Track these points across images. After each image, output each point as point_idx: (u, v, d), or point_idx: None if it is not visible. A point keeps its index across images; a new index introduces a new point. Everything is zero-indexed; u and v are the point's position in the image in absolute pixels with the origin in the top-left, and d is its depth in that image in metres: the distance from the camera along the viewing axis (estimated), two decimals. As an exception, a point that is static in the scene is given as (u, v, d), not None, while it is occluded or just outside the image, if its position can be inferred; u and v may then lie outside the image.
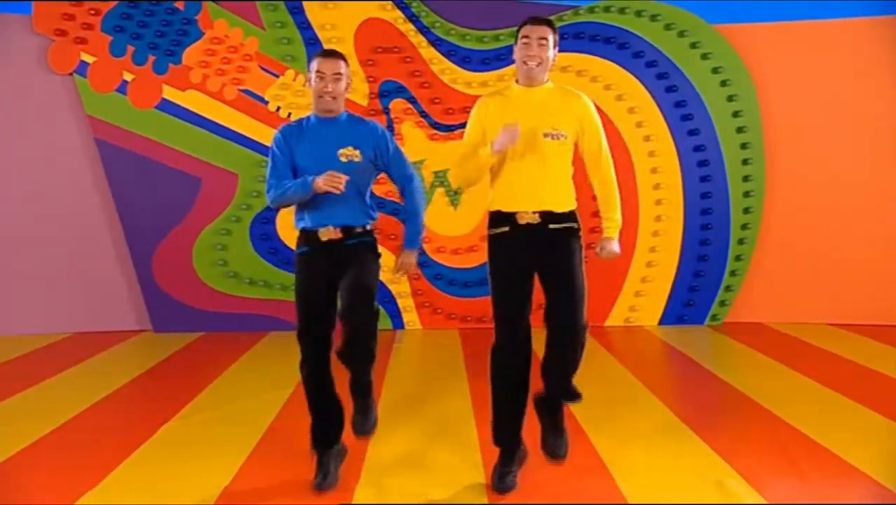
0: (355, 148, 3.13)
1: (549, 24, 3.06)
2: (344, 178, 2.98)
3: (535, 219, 3.01)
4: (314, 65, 3.12)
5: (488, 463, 3.34)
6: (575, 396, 3.04)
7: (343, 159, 3.11)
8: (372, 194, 3.30)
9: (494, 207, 3.10)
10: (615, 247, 3.15)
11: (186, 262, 6.26)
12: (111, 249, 6.31)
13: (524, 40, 3.01)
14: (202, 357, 5.58)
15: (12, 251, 6.18)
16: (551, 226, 3.01)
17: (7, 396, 4.54)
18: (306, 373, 3.18)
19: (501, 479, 3.13)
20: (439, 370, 5.17)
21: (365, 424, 3.20)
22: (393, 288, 6.34)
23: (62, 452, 3.65)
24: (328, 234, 3.13)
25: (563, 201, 3.06)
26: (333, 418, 3.23)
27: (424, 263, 6.32)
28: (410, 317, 6.43)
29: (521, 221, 3.01)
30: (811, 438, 3.68)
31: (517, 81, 3.11)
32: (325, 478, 3.15)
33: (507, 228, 3.05)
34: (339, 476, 3.21)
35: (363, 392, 3.19)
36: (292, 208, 3.25)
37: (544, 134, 2.99)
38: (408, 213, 3.35)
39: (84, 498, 3.11)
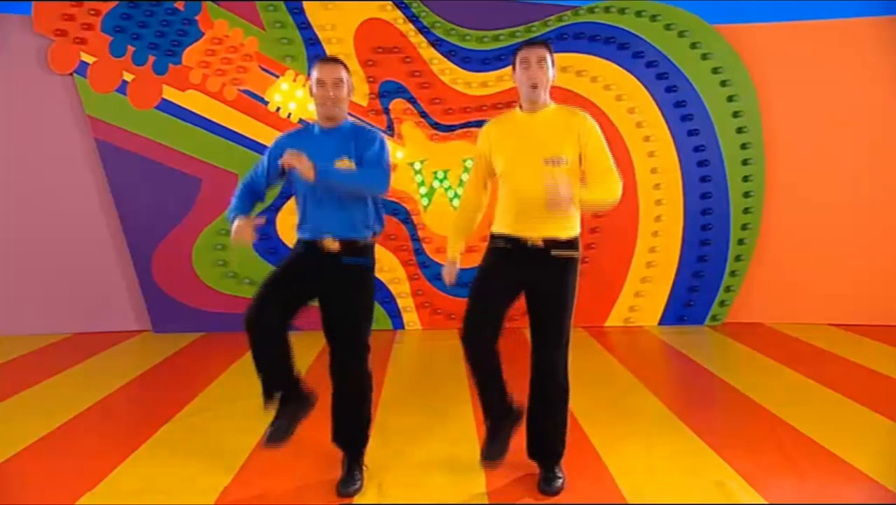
0: (351, 159, 3.09)
1: (545, 44, 3.07)
2: (248, 233, 2.94)
3: (539, 244, 3.02)
4: (314, 73, 3.12)
5: (488, 463, 3.35)
6: (562, 450, 3.19)
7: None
8: (379, 205, 3.23)
9: (498, 230, 3.12)
10: (567, 190, 2.81)
11: (186, 262, 6.26)
12: (111, 250, 6.32)
13: (524, 63, 3.01)
14: (202, 357, 5.58)
15: (12, 251, 6.18)
16: (553, 252, 3.02)
17: (7, 396, 4.54)
18: (250, 315, 3.02)
19: (493, 441, 3.11)
20: (439, 370, 5.17)
21: (346, 488, 3.15)
22: (393, 288, 6.34)
23: (62, 452, 3.65)
24: (329, 245, 3.08)
25: (567, 227, 3.05)
26: (280, 357, 3.05)
27: (424, 263, 6.32)
28: (410, 317, 6.43)
29: (525, 244, 3.03)
30: (811, 438, 3.69)
31: (520, 107, 3.12)
32: (274, 429, 3.00)
33: (509, 246, 3.07)
34: (294, 431, 3.04)
35: (355, 444, 3.26)
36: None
37: (545, 161, 2.98)
38: (358, 171, 3.06)
39: (84, 498, 3.12)
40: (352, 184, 3.04)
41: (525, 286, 3.08)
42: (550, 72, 3.04)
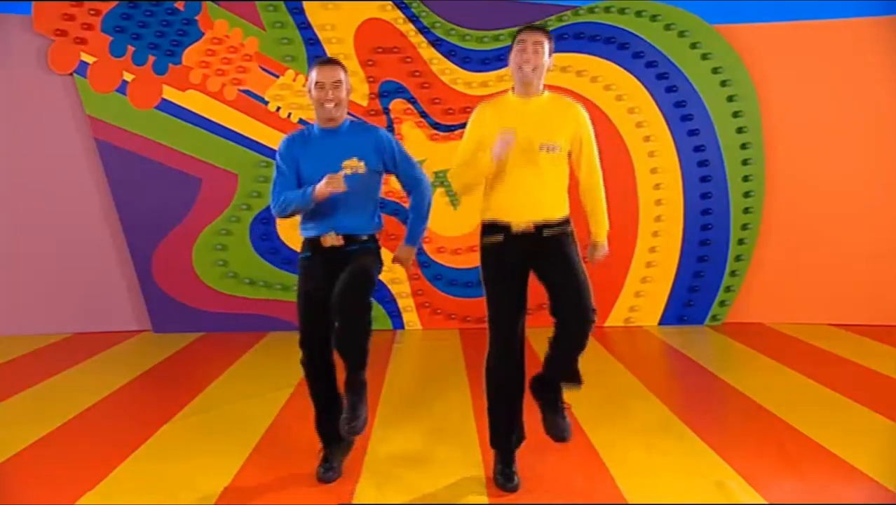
0: (360, 159, 3.12)
1: (544, 31, 3.07)
2: (340, 175, 3.00)
3: (530, 228, 3.03)
4: (313, 75, 3.12)
5: (488, 462, 3.35)
6: (579, 380, 3.10)
7: (347, 171, 3.09)
8: (378, 201, 3.28)
9: (488, 217, 3.12)
10: (604, 250, 3.25)
11: (186, 262, 6.26)
12: (111, 249, 6.31)
13: (519, 45, 3.01)
14: (202, 357, 5.58)
15: (12, 251, 6.18)
16: (545, 232, 3.04)
17: (7, 396, 4.54)
18: (308, 373, 3.22)
19: (509, 479, 3.16)
20: (439, 370, 5.17)
21: (353, 423, 3.05)
22: (393, 288, 6.34)
23: (62, 452, 3.65)
24: (330, 240, 3.13)
25: (558, 210, 3.08)
26: (337, 412, 3.19)
27: (424, 263, 6.32)
28: (410, 317, 6.43)
29: (516, 231, 3.03)
30: (811, 438, 3.68)
31: (513, 90, 3.12)
32: (327, 470, 3.20)
33: (500, 238, 3.07)
34: (343, 470, 3.26)
35: (354, 388, 3.09)
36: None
37: (540, 146, 3.00)
38: (414, 210, 3.35)
39: (84, 498, 3.11)
40: (427, 215, 3.35)
41: (530, 270, 3.10)
42: (546, 58, 3.03)
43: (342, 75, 3.13)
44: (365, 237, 3.18)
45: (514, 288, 3.09)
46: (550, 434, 3.14)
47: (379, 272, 3.23)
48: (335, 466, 3.24)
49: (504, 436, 3.22)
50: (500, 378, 3.16)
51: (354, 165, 3.10)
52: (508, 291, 3.09)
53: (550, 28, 6.17)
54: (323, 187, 2.99)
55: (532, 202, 3.03)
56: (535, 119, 3.03)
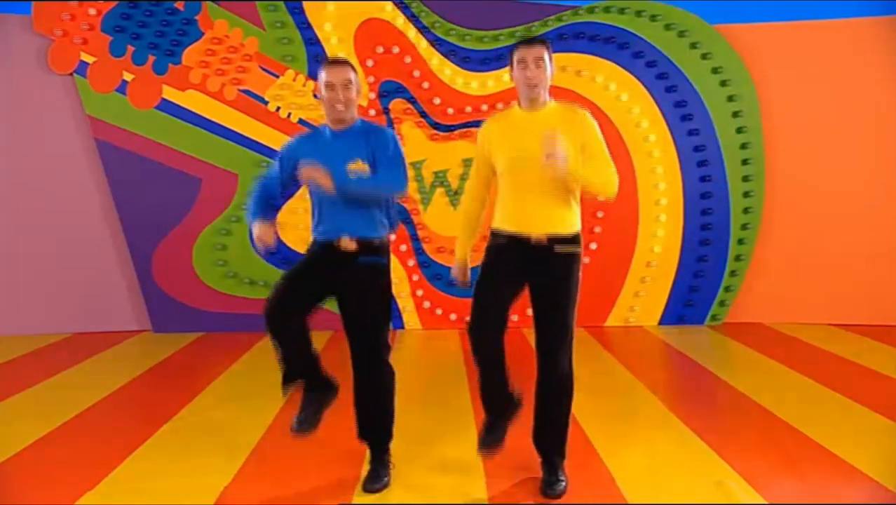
0: (365, 161, 3.08)
1: (542, 42, 3.04)
2: (270, 236, 3.02)
3: (543, 240, 3.00)
4: (322, 75, 3.09)
5: (488, 463, 3.34)
6: (563, 453, 3.18)
7: (352, 175, 3.05)
8: (391, 204, 3.22)
9: (498, 226, 3.11)
10: (563, 160, 2.86)
11: (186, 262, 6.26)
12: (111, 249, 6.32)
13: (521, 64, 3.00)
14: (202, 357, 5.58)
15: (12, 251, 6.18)
16: (557, 248, 3.01)
17: (7, 396, 4.54)
18: (270, 309, 3.01)
19: (490, 432, 3.11)
20: (439, 370, 5.17)
21: (377, 483, 3.19)
22: (393, 288, 6.32)
23: (62, 453, 3.65)
24: (346, 244, 3.07)
25: (568, 223, 3.05)
26: (301, 348, 3.06)
27: (424, 263, 6.32)
28: (410, 317, 6.43)
29: (528, 241, 3.01)
30: (811, 438, 3.69)
31: (518, 103, 3.11)
32: (298, 421, 3.07)
33: (504, 241, 3.07)
34: (321, 420, 3.11)
35: (382, 440, 3.27)
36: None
37: (546, 156, 2.98)
38: (374, 177, 3.06)
39: (84, 498, 3.12)
40: (371, 189, 3.06)
41: (528, 281, 3.08)
42: (549, 70, 3.02)
43: (352, 75, 3.09)
44: (377, 241, 3.12)
45: (512, 272, 3.05)
46: (543, 493, 3.11)
47: (390, 294, 3.25)
48: (306, 417, 3.07)
49: (489, 397, 3.15)
50: (478, 342, 3.09)
51: (359, 168, 3.06)
52: (505, 271, 3.06)
53: (550, 28, 6.18)
54: (256, 233, 3.04)
55: (541, 214, 3.01)
56: (540, 131, 2.99)
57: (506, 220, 3.08)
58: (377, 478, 3.20)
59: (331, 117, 3.13)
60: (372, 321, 3.13)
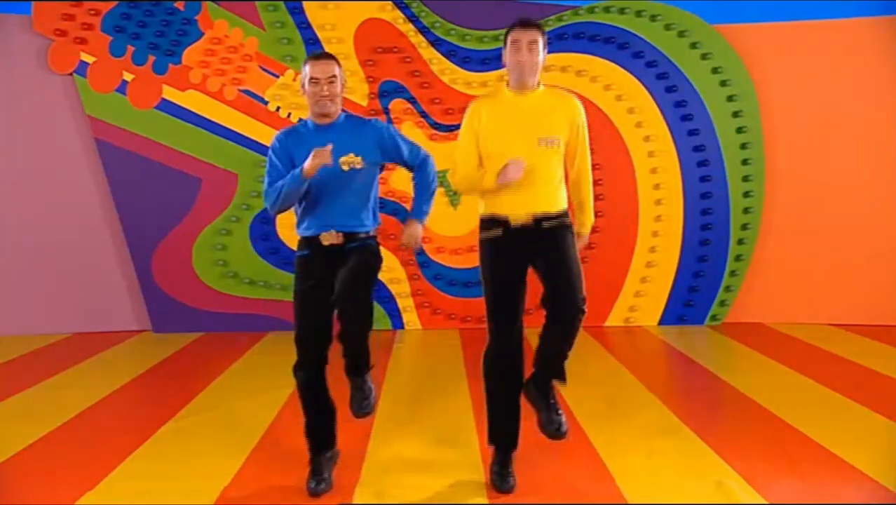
0: (357, 154, 3.08)
1: (538, 26, 3.04)
2: (328, 148, 2.96)
3: (529, 221, 3.02)
4: (307, 70, 3.08)
5: (488, 462, 3.34)
6: (563, 377, 3.09)
7: (345, 168, 3.06)
8: (377, 198, 3.26)
9: (487, 211, 3.11)
10: (586, 241, 3.27)
11: (186, 262, 6.26)
12: (111, 249, 6.31)
13: (514, 45, 2.99)
14: (202, 357, 5.58)
15: (12, 251, 6.18)
16: (544, 224, 3.03)
17: (7, 396, 4.54)
18: (301, 377, 3.16)
19: (504, 480, 3.15)
20: (439, 370, 5.17)
21: (363, 404, 3.07)
22: (393, 288, 6.34)
23: (62, 453, 3.65)
24: (330, 238, 3.09)
25: (556, 203, 3.07)
26: (327, 422, 3.22)
27: (424, 263, 6.32)
28: (410, 317, 6.43)
29: (515, 224, 3.02)
30: (811, 438, 3.68)
31: (508, 85, 3.10)
32: (318, 483, 3.13)
33: (499, 232, 3.06)
34: (333, 481, 3.20)
35: (359, 370, 3.08)
36: (293, 214, 3.23)
37: (539, 141, 2.99)
38: (419, 186, 3.27)
39: (84, 498, 3.11)
40: (434, 189, 3.29)
41: (529, 264, 3.08)
42: (541, 55, 3.01)
43: (336, 70, 3.09)
44: (363, 234, 3.14)
45: (513, 284, 3.08)
46: (546, 431, 3.08)
47: (379, 269, 3.20)
48: (326, 478, 3.16)
49: (503, 431, 3.20)
50: (499, 372, 3.15)
51: (351, 161, 3.06)
52: (507, 286, 3.08)
53: (550, 28, 6.17)
54: (311, 161, 2.94)
55: (530, 196, 3.01)
56: (532, 113, 3.02)
57: (494, 204, 3.07)
58: (363, 395, 3.06)
59: (315, 111, 3.12)
60: (361, 268, 3.06)
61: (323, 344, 3.13)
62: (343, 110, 3.20)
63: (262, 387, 4.67)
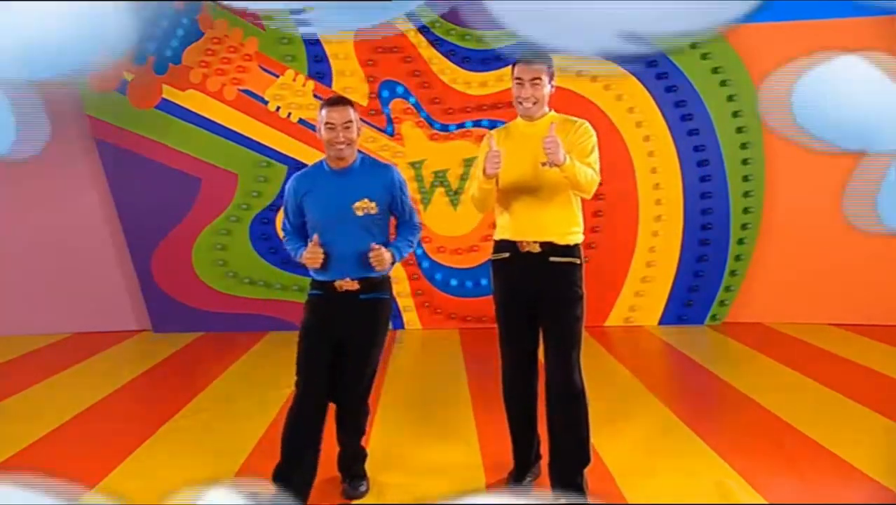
0: (371, 200, 3.07)
1: (543, 59, 3.04)
2: (319, 253, 3.01)
3: (536, 248, 3.01)
4: (323, 115, 3.06)
5: (488, 463, 3.35)
6: (588, 458, 3.04)
7: (359, 213, 3.05)
8: (389, 237, 3.24)
9: (499, 236, 3.13)
10: (559, 156, 2.87)
11: (186, 262, 6.26)
12: (111, 249, 6.31)
13: (517, 82, 3.03)
14: (202, 357, 5.59)
15: (12, 252, 6.18)
16: (552, 259, 3.01)
17: (7, 396, 4.54)
18: (294, 414, 3.11)
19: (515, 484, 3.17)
20: (439, 370, 5.17)
21: (355, 491, 3.18)
22: (393, 288, 6.33)
23: (62, 452, 3.65)
24: (345, 285, 3.07)
25: (566, 232, 3.04)
26: (307, 467, 3.07)
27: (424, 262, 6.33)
28: (410, 317, 6.43)
29: (523, 250, 3.02)
30: (811, 438, 3.69)
31: (518, 116, 3.14)
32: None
33: (507, 255, 3.07)
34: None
35: (351, 470, 3.23)
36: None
37: (542, 163, 2.97)
38: (402, 232, 3.27)
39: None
40: (410, 245, 3.26)
41: (536, 297, 3.05)
42: (546, 88, 3.05)
43: (352, 114, 3.07)
44: (379, 278, 3.13)
45: (522, 308, 3.08)
46: None
47: (386, 335, 3.24)
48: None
49: (517, 453, 3.22)
50: (509, 398, 3.18)
51: (366, 206, 3.06)
52: (516, 311, 3.09)
53: (550, 28, 6.16)
54: (306, 259, 3.04)
55: (537, 221, 3.01)
56: (538, 139, 2.98)
57: (504, 229, 3.10)
58: (357, 482, 3.22)
59: (331, 155, 3.11)
60: (368, 365, 3.15)
61: (322, 395, 3.12)
62: (359, 152, 3.20)
63: (262, 387, 4.67)
